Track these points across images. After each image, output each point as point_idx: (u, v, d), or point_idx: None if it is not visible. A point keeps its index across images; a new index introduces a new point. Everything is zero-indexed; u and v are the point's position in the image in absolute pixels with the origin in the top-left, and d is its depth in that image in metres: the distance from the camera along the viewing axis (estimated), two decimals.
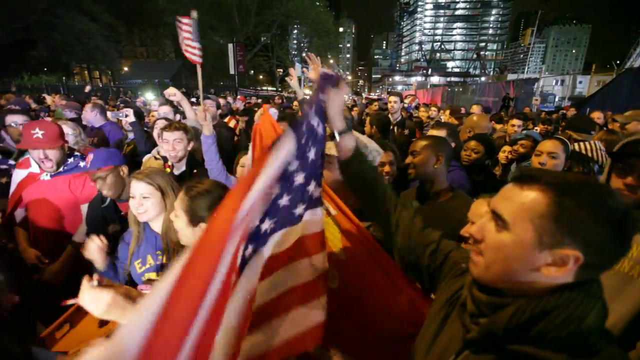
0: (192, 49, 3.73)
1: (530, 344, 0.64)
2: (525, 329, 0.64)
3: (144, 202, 1.60)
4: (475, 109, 6.69)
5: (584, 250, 0.61)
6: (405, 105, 7.39)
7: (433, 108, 6.36)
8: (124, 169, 2.02)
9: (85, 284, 1.00)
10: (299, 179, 1.02)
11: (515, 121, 3.94)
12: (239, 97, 13.09)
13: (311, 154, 1.03)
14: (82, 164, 2.21)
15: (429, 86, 39.17)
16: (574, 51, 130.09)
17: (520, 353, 0.65)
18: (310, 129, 0.99)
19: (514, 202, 0.68)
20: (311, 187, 1.09)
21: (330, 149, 1.41)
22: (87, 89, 10.29)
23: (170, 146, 2.36)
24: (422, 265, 1.04)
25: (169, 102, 4.64)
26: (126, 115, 3.77)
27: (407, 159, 1.89)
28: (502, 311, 0.68)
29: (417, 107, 7.72)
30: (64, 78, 26.60)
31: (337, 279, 1.40)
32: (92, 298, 0.99)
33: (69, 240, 2.14)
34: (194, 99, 10.89)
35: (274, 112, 2.05)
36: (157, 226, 1.68)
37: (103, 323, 1.70)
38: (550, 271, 0.64)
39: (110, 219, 2.04)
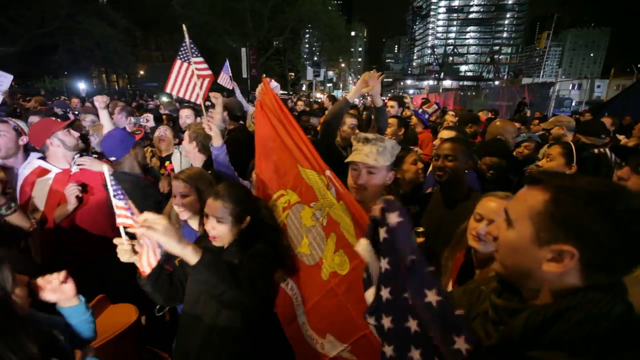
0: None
1: (546, 349, 0.64)
2: (541, 333, 0.64)
3: (183, 200, 1.75)
4: (482, 115, 6.61)
5: (579, 245, 0.63)
6: (419, 110, 6.93)
7: (450, 113, 6.25)
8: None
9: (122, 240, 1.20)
10: None
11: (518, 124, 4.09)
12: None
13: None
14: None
15: (441, 90, 38.84)
16: (592, 54, 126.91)
17: (537, 359, 0.64)
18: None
19: (520, 201, 0.73)
20: None
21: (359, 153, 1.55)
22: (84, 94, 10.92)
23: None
24: None
25: (191, 105, 4.76)
26: (147, 121, 3.90)
27: (437, 162, 1.92)
28: (518, 316, 0.69)
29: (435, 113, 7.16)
30: (82, 81, 27.47)
31: (348, 265, 1.45)
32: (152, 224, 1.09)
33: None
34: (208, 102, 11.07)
35: (274, 85, 2.05)
36: (195, 224, 1.81)
37: (119, 316, 1.76)
38: (550, 267, 0.66)
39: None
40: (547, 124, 4.03)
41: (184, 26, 2.64)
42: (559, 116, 4.20)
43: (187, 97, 3.19)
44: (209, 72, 3.43)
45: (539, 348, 0.64)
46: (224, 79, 6.45)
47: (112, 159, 2.26)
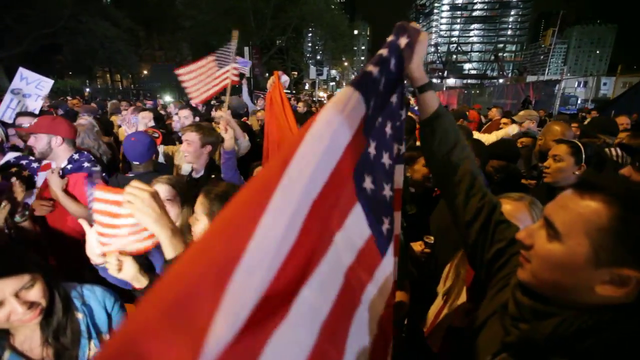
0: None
1: (575, 358, 0.60)
2: (571, 342, 0.60)
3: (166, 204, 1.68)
4: (495, 112, 6.55)
5: None
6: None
7: None
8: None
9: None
10: (376, 152, 0.88)
11: (504, 120, 4.22)
12: (261, 96, 13.57)
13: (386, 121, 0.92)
14: (86, 164, 2.24)
15: (444, 88, 38.61)
16: (598, 52, 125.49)
17: None
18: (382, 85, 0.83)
19: (570, 211, 0.62)
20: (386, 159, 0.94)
21: None
22: (87, 92, 10.88)
23: (184, 146, 2.37)
24: (484, 258, 0.98)
25: (189, 106, 4.77)
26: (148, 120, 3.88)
27: None
28: (547, 320, 0.64)
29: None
30: (87, 81, 27.64)
31: None
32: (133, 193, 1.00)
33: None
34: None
35: (285, 79, 2.04)
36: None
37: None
38: (606, 290, 0.58)
39: None
40: (519, 117, 4.24)
41: (234, 32, 2.65)
42: (529, 110, 4.53)
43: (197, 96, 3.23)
44: (237, 78, 3.45)
45: (566, 356, 0.61)
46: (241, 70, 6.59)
47: (136, 163, 2.31)
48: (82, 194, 2.16)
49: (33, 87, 4.05)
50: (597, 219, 0.58)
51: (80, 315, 1.17)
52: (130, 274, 1.17)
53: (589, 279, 0.60)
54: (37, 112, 3.95)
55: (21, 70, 4.05)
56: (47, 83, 4.11)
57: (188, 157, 2.32)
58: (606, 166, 2.32)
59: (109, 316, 1.24)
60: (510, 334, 0.71)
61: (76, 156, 2.24)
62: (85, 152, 2.38)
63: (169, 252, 1.05)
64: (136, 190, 1.01)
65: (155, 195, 1.03)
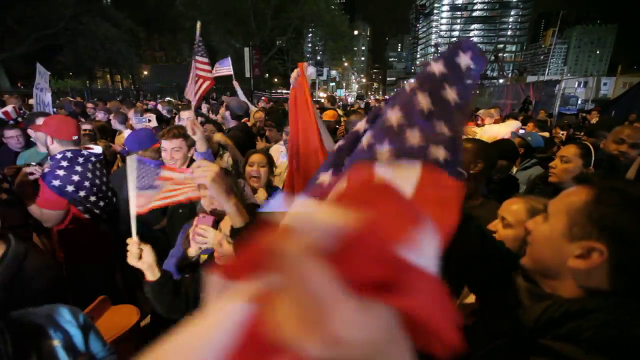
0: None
1: (560, 341, 0.64)
2: (558, 325, 0.65)
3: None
4: (493, 112, 6.56)
5: (610, 245, 0.62)
6: None
7: None
8: None
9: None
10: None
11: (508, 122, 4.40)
12: (262, 98, 13.74)
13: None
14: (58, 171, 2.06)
15: None
16: (598, 52, 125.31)
17: (549, 348, 0.65)
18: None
19: (562, 198, 0.74)
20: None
21: None
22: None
23: (168, 155, 2.19)
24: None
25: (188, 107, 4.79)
26: (149, 120, 3.89)
27: None
28: (537, 304, 0.70)
29: None
30: (87, 82, 27.68)
31: None
32: (203, 170, 1.12)
33: None
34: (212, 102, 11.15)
35: (311, 70, 1.62)
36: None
37: (120, 318, 1.76)
38: (576, 263, 0.66)
39: None
40: (480, 113, 4.61)
41: (198, 23, 2.67)
42: (489, 110, 4.90)
43: (186, 95, 3.38)
44: (210, 75, 3.56)
45: (551, 338, 0.65)
46: (220, 71, 6.72)
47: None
48: (43, 197, 2.01)
49: (44, 82, 4.47)
50: (577, 200, 0.69)
51: (55, 342, 1.01)
52: (148, 262, 1.28)
53: (564, 253, 0.68)
54: (50, 105, 4.33)
55: (38, 67, 4.46)
56: (46, 74, 4.51)
57: (178, 163, 2.21)
58: (617, 169, 2.29)
59: (83, 332, 1.11)
60: (506, 320, 0.76)
61: (58, 156, 2.06)
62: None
63: (238, 221, 1.15)
64: (207, 166, 1.14)
65: (224, 172, 1.17)
